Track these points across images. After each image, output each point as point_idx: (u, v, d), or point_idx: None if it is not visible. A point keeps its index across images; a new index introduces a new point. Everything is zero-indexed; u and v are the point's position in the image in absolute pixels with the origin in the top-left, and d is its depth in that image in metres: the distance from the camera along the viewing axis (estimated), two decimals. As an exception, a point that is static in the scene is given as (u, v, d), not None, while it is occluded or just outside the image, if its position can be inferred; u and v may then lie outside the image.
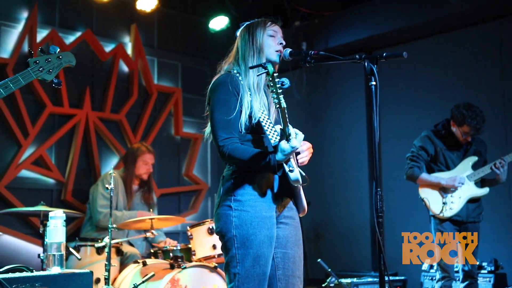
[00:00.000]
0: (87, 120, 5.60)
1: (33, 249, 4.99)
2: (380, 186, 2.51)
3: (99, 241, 4.20)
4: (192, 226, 4.20)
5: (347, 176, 6.37)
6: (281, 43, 2.63)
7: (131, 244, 4.77)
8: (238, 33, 2.68)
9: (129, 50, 6.08)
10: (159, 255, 4.41)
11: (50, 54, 2.63)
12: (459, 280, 4.26)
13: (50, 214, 3.11)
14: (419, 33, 5.91)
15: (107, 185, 4.09)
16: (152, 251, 4.52)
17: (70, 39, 5.63)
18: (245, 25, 2.67)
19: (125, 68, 6.04)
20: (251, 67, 2.50)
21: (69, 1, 5.70)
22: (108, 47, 5.91)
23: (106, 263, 3.87)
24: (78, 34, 5.67)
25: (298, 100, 6.52)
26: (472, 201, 4.26)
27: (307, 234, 6.31)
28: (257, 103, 2.50)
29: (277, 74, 2.29)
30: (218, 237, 2.57)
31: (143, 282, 3.80)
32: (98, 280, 4.10)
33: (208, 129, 2.62)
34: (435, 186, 4.28)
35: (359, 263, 6.01)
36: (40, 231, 3.88)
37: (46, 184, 5.38)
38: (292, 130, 2.35)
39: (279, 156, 2.36)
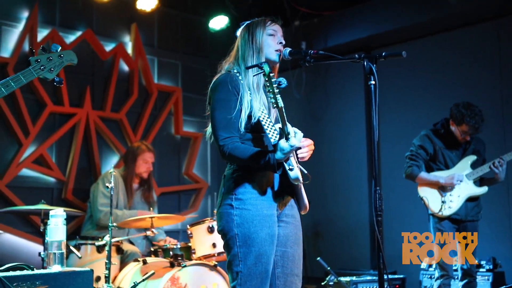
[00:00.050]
0: (88, 119, 5.61)
1: (34, 247, 5.01)
2: (379, 185, 2.52)
3: (100, 239, 4.21)
4: (192, 224, 4.22)
5: (347, 175, 6.37)
6: (280, 43, 2.62)
7: (131, 243, 4.78)
8: (238, 33, 2.68)
9: (129, 49, 6.09)
10: (159, 253, 4.42)
11: (51, 52, 2.60)
12: (457, 278, 4.27)
13: (51, 212, 3.12)
14: (418, 32, 5.91)
15: (107, 184, 4.10)
16: (152, 249, 4.54)
17: (70, 38, 5.64)
18: (245, 24, 2.67)
19: (125, 68, 6.05)
20: (248, 68, 2.49)
21: (70, 0, 5.71)
22: (109, 47, 5.92)
23: (107, 261, 3.89)
24: (79, 33, 5.69)
25: (298, 100, 6.53)
26: (471, 199, 4.27)
27: (306, 232, 6.30)
28: (257, 102, 2.50)
29: (273, 74, 2.27)
30: (219, 235, 2.58)
31: (143, 280, 3.81)
32: (98, 278, 4.11)
33: (209, 129, 2.62)
34: (434, 185, 4.29)
35: (358, 261, 6.01)
36: (41, 230, 3.90)
37: (46, 182, 5.39)
38: (291, 129, 2.35)
39: (278, 155, 2.36)
